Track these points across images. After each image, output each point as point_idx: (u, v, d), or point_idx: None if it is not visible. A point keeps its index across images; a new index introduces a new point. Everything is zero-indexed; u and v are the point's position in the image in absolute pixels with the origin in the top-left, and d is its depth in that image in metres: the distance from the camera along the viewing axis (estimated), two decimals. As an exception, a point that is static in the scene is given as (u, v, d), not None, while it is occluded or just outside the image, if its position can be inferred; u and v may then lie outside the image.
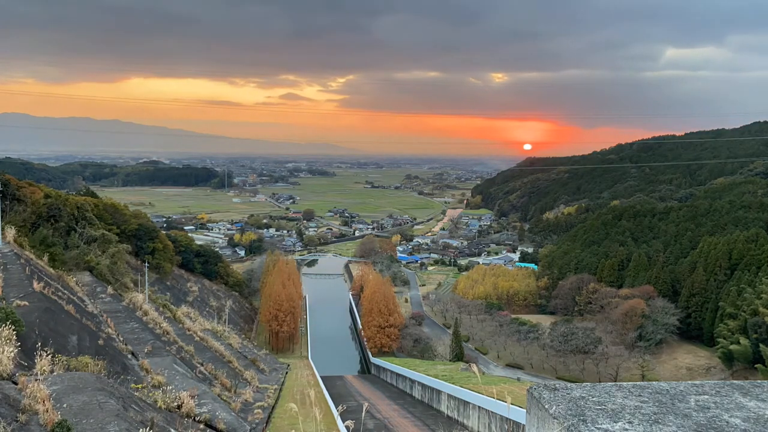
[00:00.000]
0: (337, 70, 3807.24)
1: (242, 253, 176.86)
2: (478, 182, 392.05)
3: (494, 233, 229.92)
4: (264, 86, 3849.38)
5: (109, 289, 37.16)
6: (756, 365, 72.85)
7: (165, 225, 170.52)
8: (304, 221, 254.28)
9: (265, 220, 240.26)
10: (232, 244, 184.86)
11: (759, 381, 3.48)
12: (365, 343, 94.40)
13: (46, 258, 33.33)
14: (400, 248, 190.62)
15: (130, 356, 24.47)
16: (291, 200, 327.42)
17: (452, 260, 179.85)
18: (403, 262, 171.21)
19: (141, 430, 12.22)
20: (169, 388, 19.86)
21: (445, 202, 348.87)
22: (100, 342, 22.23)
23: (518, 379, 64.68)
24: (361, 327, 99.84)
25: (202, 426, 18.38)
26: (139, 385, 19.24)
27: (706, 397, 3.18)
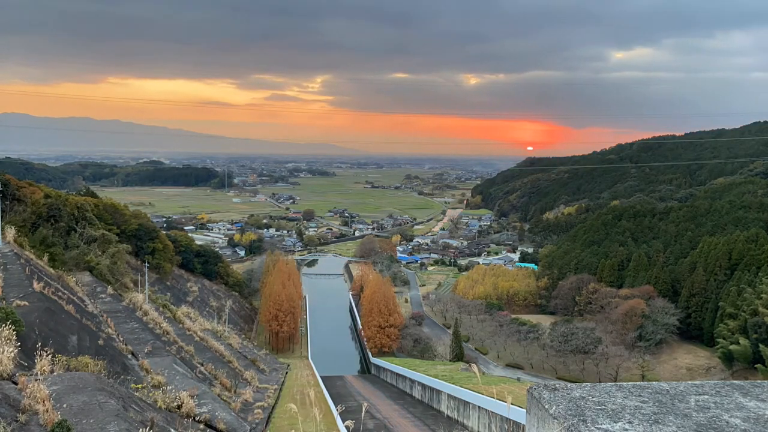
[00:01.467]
0: (306, 71, 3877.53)
1: (242, 253, 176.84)
2: (478, 182, 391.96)
3: (494, 233, 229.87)
4: (243, 87, 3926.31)
5: (109, 289, 37.16)
6: (756, 365, 72.84)
7: (165, 225, 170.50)
8: (304, 221, 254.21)
9: (265, 220, 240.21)
10: (232, 244, 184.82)
11: (759, 381, 3.48)
12: (365, 343, 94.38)
13: (46, 258, 33.33)
14: (400, 248, 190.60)
15: (130, 356, 24.48)
16: (291, 200, 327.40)
17: (452, 260, 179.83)
18: (403, 262, 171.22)
19: (141, 430, 12.23)
20: (169, 388, 19.87)
21: (445, 202, 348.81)
22: (100, 342, 22.24)
23: (518, 379, 64.69)
24: (361, 327, 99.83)
25: (202, 426, 18.38)
26: (139, 385, 19.24)
27: (706, 397, 3.18)
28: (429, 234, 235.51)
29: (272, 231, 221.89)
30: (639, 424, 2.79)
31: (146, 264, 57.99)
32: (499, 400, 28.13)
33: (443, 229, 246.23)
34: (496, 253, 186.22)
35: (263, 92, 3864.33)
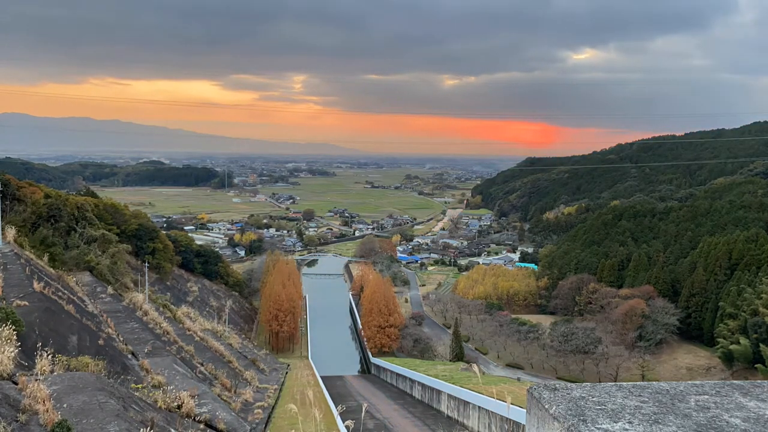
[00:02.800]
0: (277, 71, 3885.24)
1: (242, 253, 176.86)
2: (478, 182, 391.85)
3: (494, 233, 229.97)
4: (227, 87, 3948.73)
5: (109, 289, 37.16)
6: (756, 365, 72.87)
7: (165, 225, 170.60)
8: (304, 221, 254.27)
9: (265, 220, 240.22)
10: (232, 244, 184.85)
11: (759, 381, 3.48)
12: (365, 343, 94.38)
13: (46, 258, 33.34)
14: (400, 248, 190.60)
15: (130, 356, 24.48)
16: (291, 200, 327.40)
17: (452, 260, 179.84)
18: (403, 262, 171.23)
19: (141, 430, 12.23)
20: (169, 388, 19.87)
21: (445, 202, 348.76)
22: (100, 342, 22.24)
23: (518, 379, 64.67)
24: (361, 327, 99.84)
25: (202, 426, 18.38)
26: (139, 385, 19.24)
27: (706, 397, 3.18)
28: (429, 234, 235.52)
29: (272, 231, 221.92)
30: (639, 424, 2.79)
31: (146, 264, 57.98)
32: (499, 400, 28.13)
33: (443, 229, 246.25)
34: (496, 253, 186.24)
35: (251, 93, 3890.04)
